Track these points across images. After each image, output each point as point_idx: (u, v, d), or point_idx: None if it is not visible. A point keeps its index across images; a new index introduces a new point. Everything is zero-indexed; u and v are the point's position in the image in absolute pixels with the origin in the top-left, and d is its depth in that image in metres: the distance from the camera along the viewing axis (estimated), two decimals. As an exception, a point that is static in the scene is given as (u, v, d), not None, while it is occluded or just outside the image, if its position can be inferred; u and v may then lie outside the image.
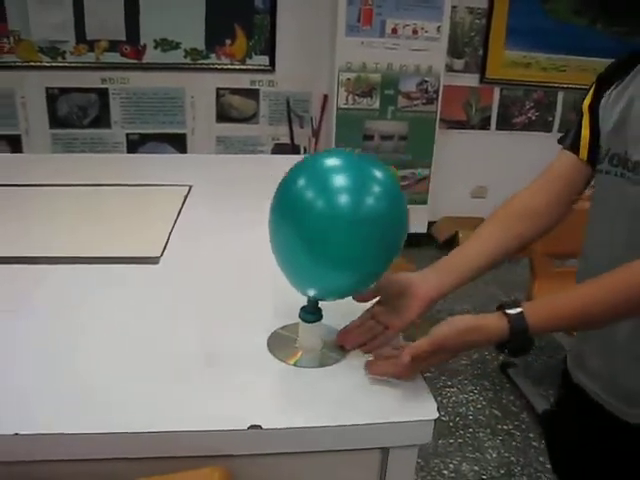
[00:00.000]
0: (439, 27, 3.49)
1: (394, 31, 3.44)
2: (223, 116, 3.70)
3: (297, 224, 0.78)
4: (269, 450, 0.77)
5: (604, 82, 1.01)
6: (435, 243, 3.86)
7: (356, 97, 3.50)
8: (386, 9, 3.40)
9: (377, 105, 3.54)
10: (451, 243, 3.77)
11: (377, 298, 0.93)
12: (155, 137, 3.66)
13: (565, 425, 1.17)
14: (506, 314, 0.81)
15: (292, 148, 3.63)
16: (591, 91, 1.03)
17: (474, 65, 3.86)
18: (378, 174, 0.81)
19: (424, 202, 3.73)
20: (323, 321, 0.88)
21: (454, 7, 3.61)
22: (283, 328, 0.94)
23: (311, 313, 0.87)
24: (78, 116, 3.59)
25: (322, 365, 0.87)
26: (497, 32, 3.80)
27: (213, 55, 3.57)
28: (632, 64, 0.95)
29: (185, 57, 3.54)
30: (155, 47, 3.50)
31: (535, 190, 1.07)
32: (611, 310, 0.83)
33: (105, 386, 0.82)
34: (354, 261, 0.79)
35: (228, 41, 3.55)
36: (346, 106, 3.50)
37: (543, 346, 2.70)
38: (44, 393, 0.80)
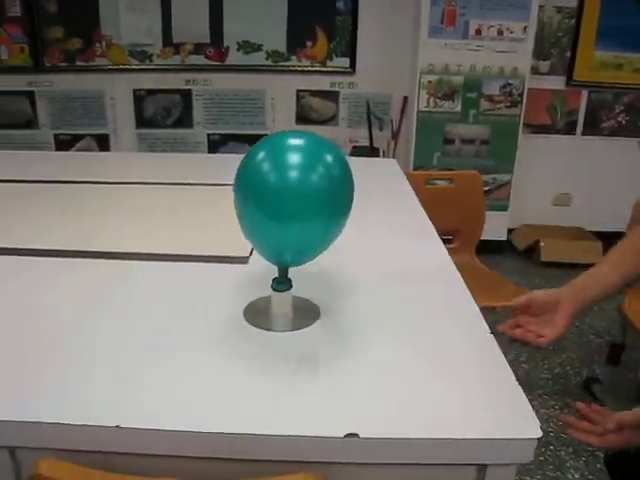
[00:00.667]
0: (525, 27, 3.37)
1: (478, 32, 3.36)
2: (303, 118, 3.72)
3: (257, 198, 0.86)
4: (364, 460, 0.75)
5: None
6: (515, 250, 3.74)
7: (437, 100, 3.44)
8: (470, 9, 3.32)
9: (459, 108, 3.46)
10: (531, 252, 3.65)
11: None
12: (235, 137, 3.73)
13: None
14: None
15: (371, 151, 3.61)
16: None
17: (560, 67, 3.72)
18: (326, 155, 0.88)
19: (504, 209, 3.61)
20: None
21: (541, 7, 3.48)
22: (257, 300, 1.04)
23: (282, 283, 0.95)
24: (162, 116, 3.70)
25: (295, 329, 0.96)
26: (587, 32, 3.64)
27: (294, 57, 3.59)
28: None
29: (266, 59, 3.59)
30: (238, 49, 3.56)
31: None
32: None
33: (203, 386, 0.83)
34: (305, 226, 0.85)
35: (309, 43, 3.57)
36: (427, 109, 3.45)
37: (629, 362, 2.56)
38: (147, 388, 0.82)
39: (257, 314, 1.00)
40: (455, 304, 1.10)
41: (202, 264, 1.24)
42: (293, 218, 0.85)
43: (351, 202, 0.90)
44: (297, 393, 0.82)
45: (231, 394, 0.81)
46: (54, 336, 0.95)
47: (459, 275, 1.21)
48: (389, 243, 1.40)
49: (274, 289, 0.96)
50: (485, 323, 1.01)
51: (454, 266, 1.25)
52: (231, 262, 1.24)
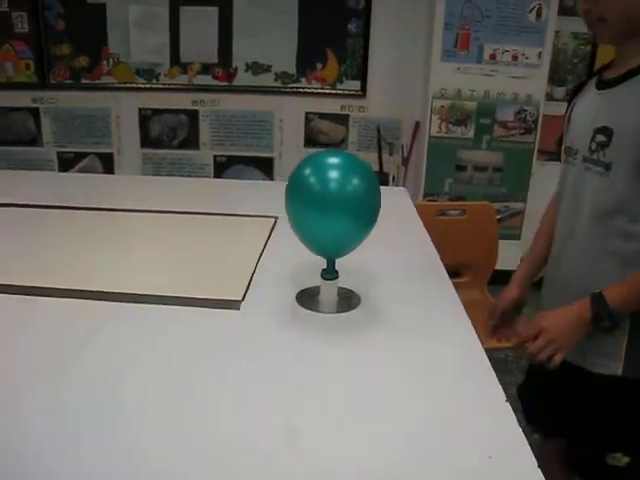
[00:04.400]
0: (540, 53, 3.30)
1: (492, 57, 3.28)
2: (311, 141, 3.64)
3: (304, 202, 1.06)
4: None
5: (572, 97, 1.33)
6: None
7: (450, 125, 3.35)
8: (485, 34, 3.24)
9: (471, 134, 3.37)
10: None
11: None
12: (242, 160, 3.65)
13: (534, 383, 1.46)
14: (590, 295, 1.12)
15: (380, 176, 3.51)
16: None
17: (577, 94, 3.62)
18: (359, 168, 1.09)
19: (517, 237, 3.50)
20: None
21: (557, 32, 3.40)
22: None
23: (330, 272, 1.12)
24: (168, 137, 3.64)
25: (339, 312, 1.13)
26: (603, 58, 3.53)
27: (303, 79, 3.52)
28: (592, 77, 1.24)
29: (275, 80, 3.52)
30: (246, 70, 3.50)
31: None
32: None
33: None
34: (343, 226, 1.06)
35: (319, 65, 3.50)
36: (439, 134, 3.35)
37: None
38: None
39: (308, 299, 1.16)
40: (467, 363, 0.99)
41: (188, 309, 1.13)
42: (331, 218, 1.05)
43: (378, 208, 1.09)
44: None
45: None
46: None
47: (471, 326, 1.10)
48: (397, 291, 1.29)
49: (323, 278, 1.12)
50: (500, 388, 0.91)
51: (466, 317, 1.14)
52: (221, 307, 1.13)
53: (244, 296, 1.18)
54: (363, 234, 1.09)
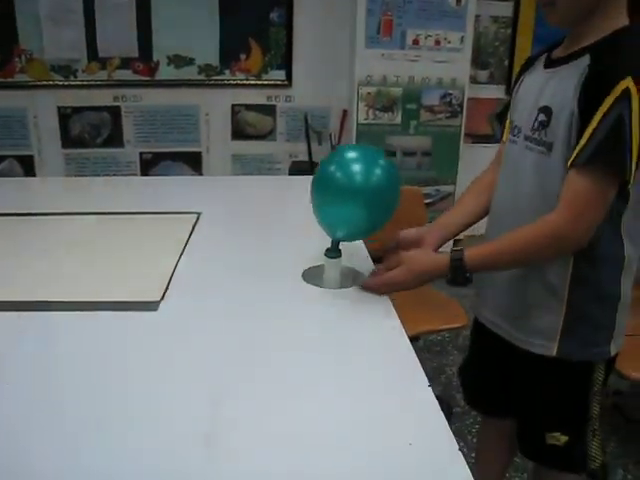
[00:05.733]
0: (462, 37, 3.34)
1: (415, 42, 3.30)
2: (239, 133, 3.57)
3: (328, 191, 1.15)
4: None
5: (521, 72, 1.29)
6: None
7: (377, 112, 3.35)
8: (407, 19, 3.26)
9: (399, 120, 3.38)
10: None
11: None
12: (169, 156, 3.55)
13: (474, 363, 1.50)
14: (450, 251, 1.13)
15: (310, 165, 3.49)
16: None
17: (500, 76, 3.70)
18: (380, 161, 1.16)
19: (448, 219, 3.55)
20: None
21: (477, 16, 3.46)
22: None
23: (333, 251, 1.20)
24: (91, 135, 3.50)
25: (342, 287, 1.20)
26: (523, 41, 3.63)
27: (228, 71, 3.45)
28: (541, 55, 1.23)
29: (199, 73, 3.43)
30: (168, 64, 3.39)
31: (491, 169, 1.39)
32: (519, 254, 1.12)
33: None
34: (362, 214, 1.13)
35: (243, 56, 3.44)
36: (366, 121, 3.36)
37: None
38: None
39: (314, 276, 1.24)
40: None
41: (103, 313, 1.08)
42: (342, 206, 1.13)
43: (395, 202, 1.16)
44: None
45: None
46: None
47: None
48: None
49: (327, 256, 1.20)
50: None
51: (388, 302, 1.14)
52: (138, 309, 1.09)
53: (162, 296, 1.13)
54: (374, 226, 1.17)
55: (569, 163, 1.04)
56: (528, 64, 1.27)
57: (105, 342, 0.99)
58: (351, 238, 1.23)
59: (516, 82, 1.30)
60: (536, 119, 1.14)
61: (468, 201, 1.38)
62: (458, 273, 1.10)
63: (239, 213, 1.72)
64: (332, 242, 1.19)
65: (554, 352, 1.17)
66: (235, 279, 1.23)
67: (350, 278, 1.23)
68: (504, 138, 1.33)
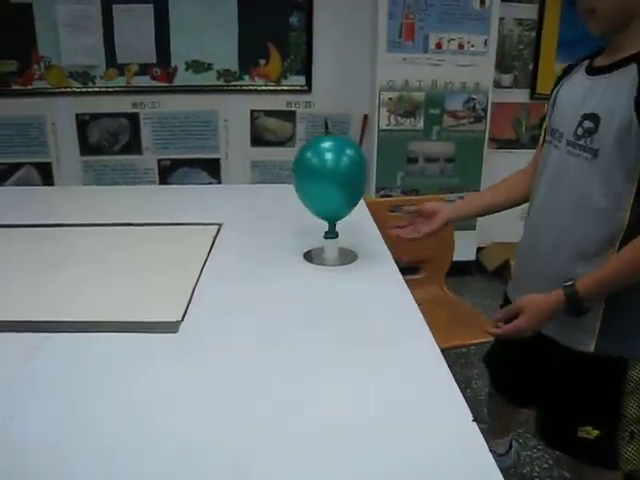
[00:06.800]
0: (486, 40, 3.26)
1: (438, 46, 3.22)
2: (258, 139, 3.52)
3: (305, 173, 1.33)
4: None
5: (560, 77, 1.34)
6: (485, 270, 3.60)
7: (399, 117, 3.27)
8: (429, 22, 3.18)
9: (421, 125, 3.31)
10: (502, 271, 3.50)
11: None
12: (188, 162, 3.51)
13: (504, 353, 1.51)
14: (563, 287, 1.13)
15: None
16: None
17: (524, 80, 3.61)
18: (348, 150, 1.34)
19: (472, 227, 3.47)
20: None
21: (502, 19, 3.38)
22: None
23: (330, 232, 1.37)
24: (109, 142, 3.47)
25: (341, 264, 1.36)
26: (548, 44, 3.54)
27: (247, 76, 3.39)
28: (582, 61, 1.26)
29: (218, 79, 3.38)
30: (186, 69, 3.35)
31: (528, 170, 1.45)
32: (632, 273, 1.09)
33: None
34: (333, 192, 1.30)
35: (262, 61, 3.38)
36: (388, 127, 3.28)
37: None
38: None
39: (314, 255, 1.41)
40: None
41: (121, 335, 1.02)
42: (317, 185, 1.31)
43: (364, 181, 1.38)
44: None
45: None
46: None
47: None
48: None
49: (326, 237, 1.36)
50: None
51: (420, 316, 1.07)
52: (157, 331, 1.03)
53: (183, 316, 1.07)
54: (353, 201, 1.34)
55: None
56: (568, 70, 1.31)
57: (120, 366, 0.93)
58: (334, 215, 1.36)
59: (555, 86, 1.33)
60: (581, 125, 1.15)
61: (501, 190, 1.50)
62: (574, 306, 1.12)
63: (261, 223, 1.66)
64: (329, 225, 1.36)
65: (592, 348, 1.18)
66: (260, 296, 1.17)
67: (348, 257, 1.39)
68: (540, 141, 1.37)
